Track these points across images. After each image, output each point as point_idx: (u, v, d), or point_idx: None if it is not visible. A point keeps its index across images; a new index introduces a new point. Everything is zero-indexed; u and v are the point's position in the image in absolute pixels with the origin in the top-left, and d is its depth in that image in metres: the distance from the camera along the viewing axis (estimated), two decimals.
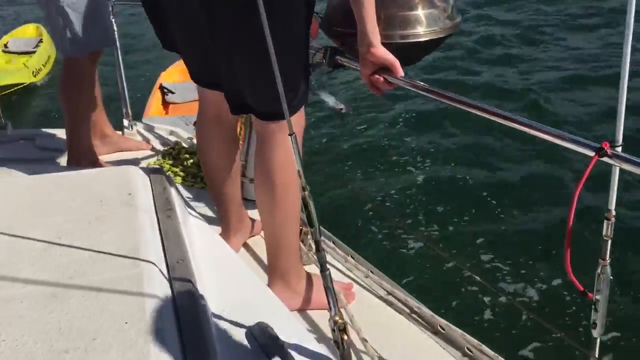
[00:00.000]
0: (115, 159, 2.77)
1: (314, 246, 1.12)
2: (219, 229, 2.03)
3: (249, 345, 1.06)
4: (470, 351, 1.58)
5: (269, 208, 1.69)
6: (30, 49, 7.57)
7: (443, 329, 1.67)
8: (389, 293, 1.84)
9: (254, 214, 2.05)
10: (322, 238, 1.16)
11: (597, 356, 1.20)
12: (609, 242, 1.17)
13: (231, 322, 1.12)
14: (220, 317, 1.11)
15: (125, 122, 3.10)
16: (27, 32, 8.01)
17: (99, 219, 1.19)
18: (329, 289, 1.06)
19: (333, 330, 1.07)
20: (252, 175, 2.18)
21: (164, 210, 1.28)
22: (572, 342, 1.54)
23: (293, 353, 1.06)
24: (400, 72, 1.53)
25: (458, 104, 1.43)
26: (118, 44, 2.79)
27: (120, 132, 3.03)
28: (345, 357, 1.10)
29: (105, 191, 1.30)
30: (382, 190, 4.33)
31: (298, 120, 1.65)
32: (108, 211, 1.22)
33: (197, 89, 1.82)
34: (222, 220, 2.01)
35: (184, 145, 2.84)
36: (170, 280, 1.06)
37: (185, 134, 3.06)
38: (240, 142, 2.26)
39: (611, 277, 1.17)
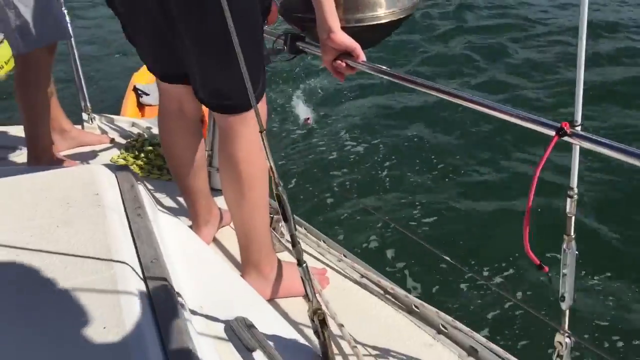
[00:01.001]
0: (77, 154, 2.70)
1: (289, 239, 1.12)
2: (188, 221, 2.02)
3: (229, 340, 1.06)
4: (445, 328, 1.61)
5: (237, 201, 1.68)
6: None
7: (417, 308, 1.70)
8: (363, 276, 1.86)
9: (224, 203, 2.04)
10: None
11: (566, 329, 1.24)
12: (573, 218, 1.20)
13: (210, 317, 1.12)
14: (198, 314, 1.11)
15: (85, 116, 3.03)
16: None
17: (67, 222, 1.17)
18: (306, 281, 1.06)
19: (312, 321, 1.08)
20: (218, 164, 2.16)
21: (133, 209, 1.27)
22: (541, 316, 1.58)
23: (273, 344, 1.08)
24: (362, 57, 1.52)
25: (417, 86, 1.42)
26: (72, 34, 2.71)
27: (79, 127, 2.96)
28: (324, 345, 1.11)
29: (71, 192, 1.28)
30: (350, 175, 4.36)
31: (261, 108, 1.64)
32: (76, 213, 1.20)
33: (157, 83, 1.79)
34: (191, 212, 1.99)
35: (146, 136, 2.79)
36: (145, 280, 1.06)
37: (146, 124, 3.00)
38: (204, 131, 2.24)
39: (577, 252, 1.21)
